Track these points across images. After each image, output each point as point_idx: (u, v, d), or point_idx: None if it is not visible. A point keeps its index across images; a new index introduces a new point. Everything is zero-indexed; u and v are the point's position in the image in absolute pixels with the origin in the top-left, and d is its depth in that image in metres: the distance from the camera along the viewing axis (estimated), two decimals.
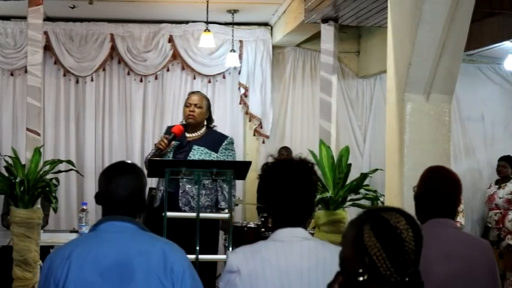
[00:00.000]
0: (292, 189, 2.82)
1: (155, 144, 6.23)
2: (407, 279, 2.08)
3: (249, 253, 2.79)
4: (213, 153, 6.15)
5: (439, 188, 3.46)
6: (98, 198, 2.91)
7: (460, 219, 8.17)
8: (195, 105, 6.24)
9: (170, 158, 6.08)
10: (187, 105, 6.29)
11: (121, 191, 2.85)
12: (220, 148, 6.20)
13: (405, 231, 2.10)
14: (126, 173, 2.91)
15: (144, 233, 2.85)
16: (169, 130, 6.31)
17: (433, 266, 3.27)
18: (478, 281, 3.37)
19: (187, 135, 6.24)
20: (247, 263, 2.74)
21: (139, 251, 2.75)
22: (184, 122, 6.31)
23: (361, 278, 2.11)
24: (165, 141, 6.09)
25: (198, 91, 6.99)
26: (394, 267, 2.09)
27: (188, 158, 6.07)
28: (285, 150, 9.23)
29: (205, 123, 6.34)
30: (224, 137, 6.37)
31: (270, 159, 2.96)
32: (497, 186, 9.71)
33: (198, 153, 6.13)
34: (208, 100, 6.43)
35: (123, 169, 2.95)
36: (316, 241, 2.87)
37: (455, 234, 3.46)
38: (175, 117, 9.50)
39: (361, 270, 2.11)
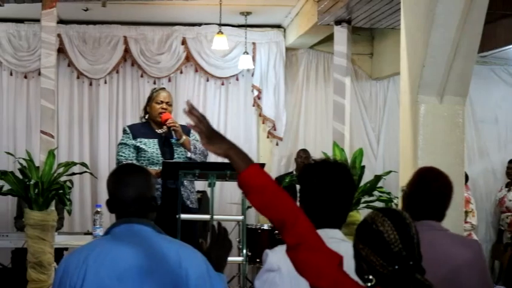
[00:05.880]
0: (335, 191, 2.81)
1: (171, 128, 5.99)
2: (396, 267, 2.13)
3: None
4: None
5: (431, 188, 3.43)
6: (110, 205, 2.87)
7: (471, 219, 8.14)
8: (167, 102, 6.15)
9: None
10: (158, 102, 6.13)
11: (131, 191, 2.82)
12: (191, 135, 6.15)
13: (381, 223, 2.16)
14: (133, 173, 2.91)
15: (160, 236, 2.82)
16: (135, 129, 6.13)
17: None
18: (469, 281, 3.34)
19: (159, 131, 6.10)
20: (287, 261, 2.72)
21: (156, 254, 2.73)
22: (144, 120, 6.20)
23: (369, 284, 2.18)
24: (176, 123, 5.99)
25: (164, 87, 6.87)
26: (383, 259, 2.14)
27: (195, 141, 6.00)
28: (304, 153, 9.23)
29: None
30: (186, 127, 6.15)
31: (311, 161, 2.95)
32: (507, 189, 9.67)
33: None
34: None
35: (129, 170, 2.95)
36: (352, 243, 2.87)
37: (443, 236, 3.41)
38: (188, 119, 9.49)
39: (367, 276, 2.18)
